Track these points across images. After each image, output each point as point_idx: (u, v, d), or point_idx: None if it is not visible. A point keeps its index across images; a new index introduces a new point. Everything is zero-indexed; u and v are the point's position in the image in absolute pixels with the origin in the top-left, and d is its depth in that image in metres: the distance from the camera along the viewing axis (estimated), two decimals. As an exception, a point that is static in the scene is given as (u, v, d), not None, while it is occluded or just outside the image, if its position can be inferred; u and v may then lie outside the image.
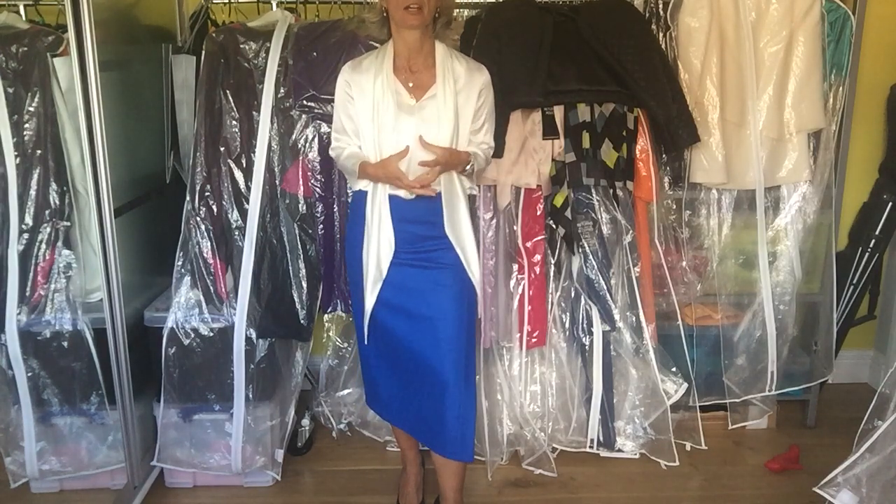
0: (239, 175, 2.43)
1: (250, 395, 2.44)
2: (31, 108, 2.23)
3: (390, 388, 2.22)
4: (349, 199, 2.44)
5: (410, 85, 2.05)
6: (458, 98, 2.04)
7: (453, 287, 2.10)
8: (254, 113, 2.42)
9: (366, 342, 2.17)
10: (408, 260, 2.08)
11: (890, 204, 2.95)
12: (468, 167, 2.07)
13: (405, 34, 2.03)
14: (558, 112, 2.46)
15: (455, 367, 2.08)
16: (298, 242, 2.51)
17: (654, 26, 2.60)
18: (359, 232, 2.11)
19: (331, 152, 2.19)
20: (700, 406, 2.77)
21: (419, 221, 2.07)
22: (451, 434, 2.11)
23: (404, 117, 2.02)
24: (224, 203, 2.42)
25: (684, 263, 2.74)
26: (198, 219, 2.40)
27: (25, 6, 2.38)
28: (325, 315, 2.80)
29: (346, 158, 2.10)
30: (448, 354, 2.09)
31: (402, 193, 2.04)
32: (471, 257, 2.11)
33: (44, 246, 2.28)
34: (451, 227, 2.07)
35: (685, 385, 2.68)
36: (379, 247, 2.06)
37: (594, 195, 2.52)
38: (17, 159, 2.24)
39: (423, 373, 2.11)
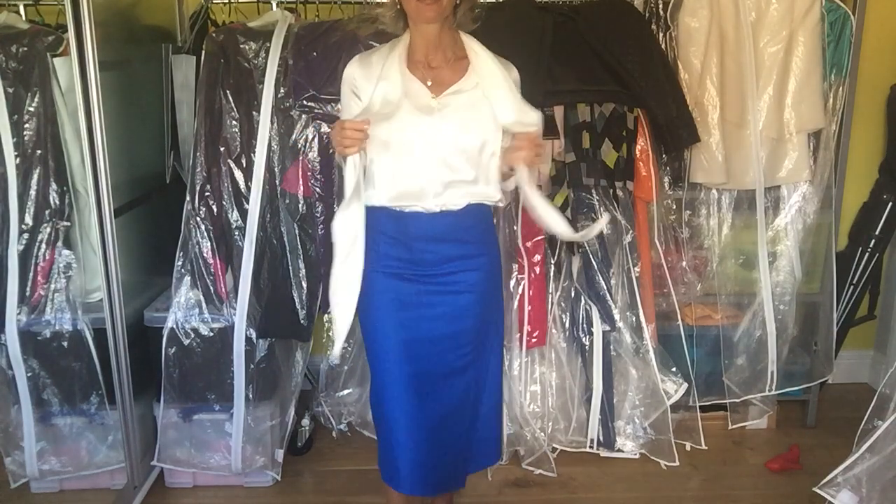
0: (239, 175, 2.42)
1: (250, 395, 2.44)
2: (31, 108, 2.23)
3: (417, 443, 1.96)
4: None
5: (429, 83, 1.82)
6: (499, 91, 1.81)
7: (476, 313, 1.92)
8: (254, 113, 2.42)
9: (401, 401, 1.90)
10: (435, 287, 1.88)
11: (890, 204, 2.95)
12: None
13: (422, 27, 1.81)
14: (558, 112, 2.47)
15: (494, 396, 2.01)
16: (298, 242, 2.51)
17: (654, 26, 2.60)
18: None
19: (336, 158, 2.09)
20: (700, 406, 2.77)
21: (448, 240, 1.87)
22: (485, 449, 2.05)
23: (421, 118, 1.79)
24: (224, 203, 2.42)
25: (684, 263, 2.74)
26: (198, 219, 2.39)
27: (25, 6, 2.38)
28: (325, 315, 2.80)
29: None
30: (486, 392, 1.99)
31: (423, 207, 1.83)
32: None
33: (44, 246, 2.27)
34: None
35: (685, 385, 2.68)
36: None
37: (594, 195, 2.52)
38: (17, 159, 2.23)
39: (459, 415, 1.98)
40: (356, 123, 1.70)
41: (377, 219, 1.84)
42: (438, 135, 1.79)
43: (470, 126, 1.80)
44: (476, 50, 1.85)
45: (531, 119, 1.82)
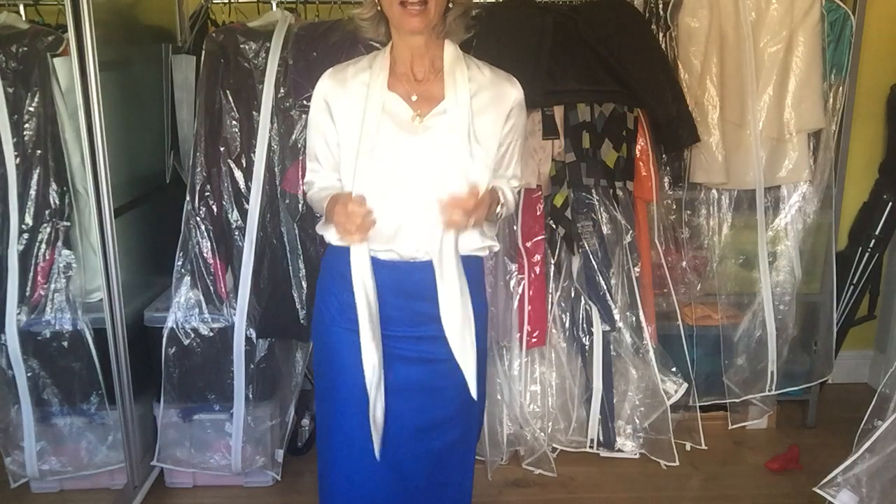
0: (239, 175, 2.42)
1: (250, 395, 2.44)
2: (31, 108, 2.23)
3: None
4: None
5: (414, 98, 1.58)
6: (484, 117, 1.58)
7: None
8: (254, 113, 2.42)
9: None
10: (405, 351, 1.61)
11: (890, 204, 2.95)
12: (498, 210, 1.60)
13: (406, 37, 1.59)
14: (558, 112, 2.47)
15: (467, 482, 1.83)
16: (298, 242, 2.51)
17: (654, 26, 2.60)
18: (332, 306, 1.63)
19: (304, 187, 1.75)
20: (700, 406, 2.77)
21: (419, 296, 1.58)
22: None
23: (405, 139, 1.54)
24: (224, 203, 2.42)
25: (684, 263, 2.75)
26: (198, 219, 2.39)
27: (25, 6, 2.38)
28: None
29: (318, 191, 1.65)
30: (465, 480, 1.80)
31: (398, 253, 1.56)
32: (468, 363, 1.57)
33: (44, 246, 2.28)
34: (447, 308, 1.55)
35: (685, 385, 2.68)
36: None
37: (594, 195, 2.52)
38: (17, 159, 2.23)
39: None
40: (365, 208, 1.46)
41: (341, 260, 1.58)
42: (421, 158, 1.54)
43: (456, 151, 1.54)
44: (453, 72, 1.59)
45: (507, 172, 1.65)
